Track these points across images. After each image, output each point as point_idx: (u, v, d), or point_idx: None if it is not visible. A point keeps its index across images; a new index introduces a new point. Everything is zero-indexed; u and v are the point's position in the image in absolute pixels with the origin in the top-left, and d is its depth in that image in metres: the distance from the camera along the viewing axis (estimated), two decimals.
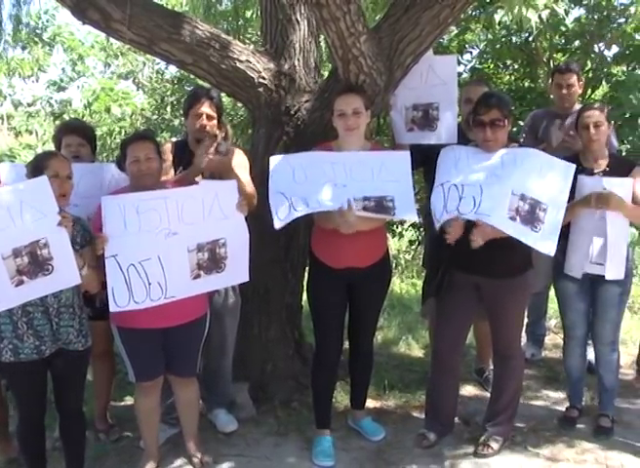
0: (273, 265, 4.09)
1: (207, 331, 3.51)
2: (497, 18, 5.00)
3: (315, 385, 3.77)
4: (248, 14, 8.28)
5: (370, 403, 4.13)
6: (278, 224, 3.30)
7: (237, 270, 3.38)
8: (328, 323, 3.66)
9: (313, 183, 3.39)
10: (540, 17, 4.82)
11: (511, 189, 3.30)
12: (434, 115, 3.94)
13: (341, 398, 4.10)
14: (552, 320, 5.73)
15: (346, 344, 3.84)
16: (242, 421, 3.98)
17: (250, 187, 3.58)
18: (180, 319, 3.32)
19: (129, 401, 4.22)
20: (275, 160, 3.49)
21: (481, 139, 3.47)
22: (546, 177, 3.40)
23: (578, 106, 4.55)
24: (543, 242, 3.31)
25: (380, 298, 3.78)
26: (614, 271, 3.62)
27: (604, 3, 6.30)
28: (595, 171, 3.69)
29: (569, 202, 3.48)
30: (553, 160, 3.47)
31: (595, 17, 6.53)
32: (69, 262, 2.96)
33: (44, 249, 2.91)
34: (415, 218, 3.68)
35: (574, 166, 3.47)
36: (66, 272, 2.96)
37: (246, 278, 3.43)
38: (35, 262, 2.89)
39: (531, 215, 3.29)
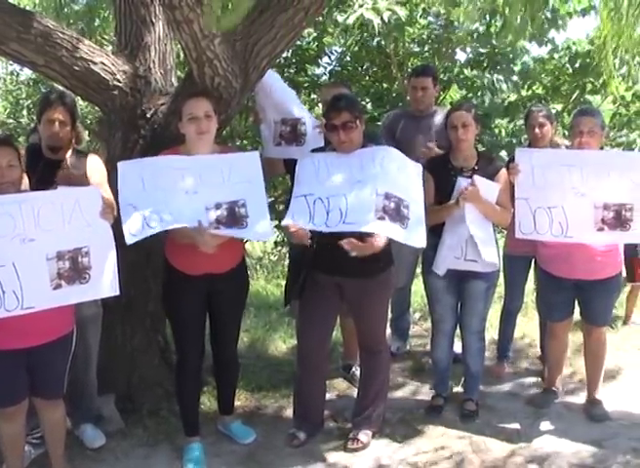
0: (134, 272, 3.95)
1: (74, 349, 3.33)
2: (339, 18, 5.13)
3: (180, 393, 3.71)
4: (105, 14, 8.06)
5: (239, 405, 4.12)
6: (130, 240, 3.16)
7: (104, 282, 3.20)
8: (188, 331, 3.59)
9: (164, 193, 3.30)
10: (382, 19, 5.00)
11: (375, 190, 3.35)
12: (302, 130, 4.00)
13: (210, 403, 4.06)
14: (416, 313, 5.94)
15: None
16: (110, 435, 3.86)
17: (107, 194, 3.45)
18: (43, 338, 3.12)
19: None
20: (123, 168, 3.34)
21: (336, 142, 3.53)
22: (402, 175, 3.50)
23: (434, 108, 4.74)
24: (413, 236, 3.38)
25: (240, 303, 3.75)
26: (485, 260, 3.72)
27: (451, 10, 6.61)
28: (464, 169, 3.79)
29: (446, 202, 3.66)
30: (405, 159, 3.58)
31: (441, 24, 6.87)
32: None
33: None
34: (267, 236, 3.67)
35: (420, 165, 3.61)
36: None
37: (116, 291, 3.24)
38: None
39: (397, 213, 3.35)
